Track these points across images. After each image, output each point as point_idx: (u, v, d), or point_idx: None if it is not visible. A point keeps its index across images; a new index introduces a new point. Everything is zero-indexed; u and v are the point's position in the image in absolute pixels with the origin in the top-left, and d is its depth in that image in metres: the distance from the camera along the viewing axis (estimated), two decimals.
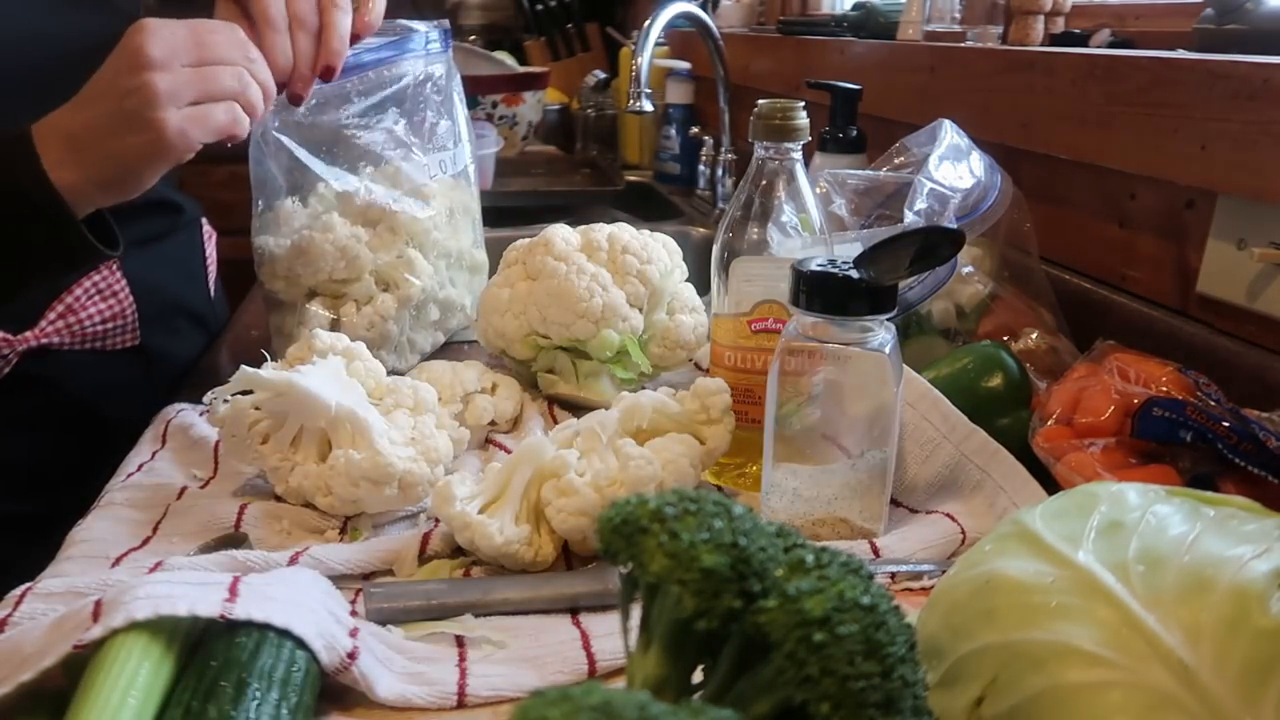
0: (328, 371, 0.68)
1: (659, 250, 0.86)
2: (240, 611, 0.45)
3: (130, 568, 0.60)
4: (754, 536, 0.37)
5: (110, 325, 0.89)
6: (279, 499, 0.68)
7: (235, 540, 0.62)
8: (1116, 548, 0.40)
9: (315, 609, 0.48)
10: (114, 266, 0.89)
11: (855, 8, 1.41)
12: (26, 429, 0.80)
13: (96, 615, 0.44)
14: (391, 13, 0.83)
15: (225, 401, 0.68)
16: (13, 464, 0.79)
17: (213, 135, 0.68)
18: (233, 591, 0.46)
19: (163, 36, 0.66)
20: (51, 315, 0.85)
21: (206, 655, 0.44)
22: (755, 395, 0.69)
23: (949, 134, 0.87)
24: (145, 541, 0.64)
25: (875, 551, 0.62)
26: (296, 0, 0.73)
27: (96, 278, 0.87)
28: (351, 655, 0.48)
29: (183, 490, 0.70)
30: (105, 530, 0.64)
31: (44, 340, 0.84)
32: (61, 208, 0.66)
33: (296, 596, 0.49)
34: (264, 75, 0.71)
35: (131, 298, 0.90)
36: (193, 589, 0.46)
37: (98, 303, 0.88)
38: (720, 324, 0.72)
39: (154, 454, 0.75)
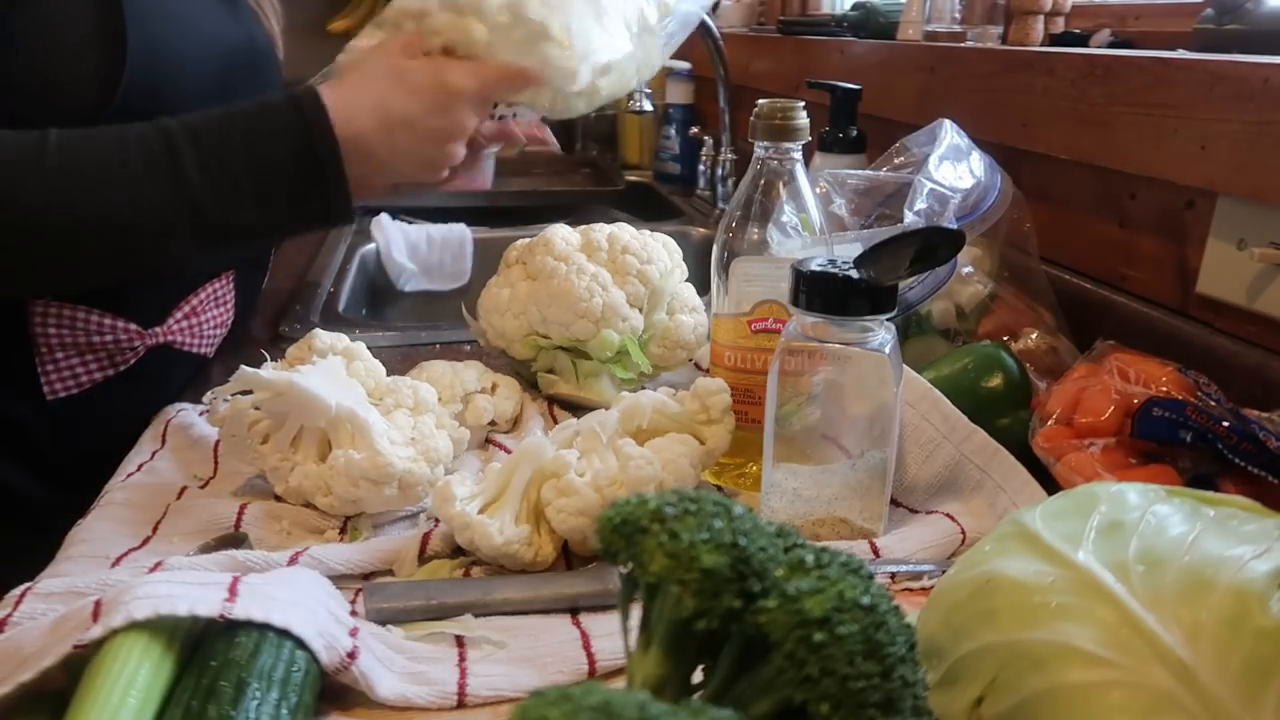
0: (327, 371, 0.68)
1: (659, 250, 0.86)
2: (240, 611, 0.45)
3: (130, 568, 0.60)
4: (754, 536, 0.37)
5: (218, 332, 0.93)
6: (279, 499, 0.68)
7: (235, 540, 0.62)
8: (1116, 548, 0.40)
9: (315, 609, 0.48)
10: (228, 277, 0.93)
11: (855, 8, 1.41)
12: (140, 423, 0.81)
13: (96, 615, 0.44)
14: None
15: (225, 401, 0.69)
16: (119, 453, 0.80)
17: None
18: (232, 591, 0.46)
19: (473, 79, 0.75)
20: (178, 315, 0.88)
21: (206, 655, 0.44)
22: (755, 395, 0.69)
23: (949, 134, 0.87)
24: (145, 541, 0.64)
25: (875, 551, 0.62)
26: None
27: (215, 285, 0.91)
28: (351, 655, 0.48)
29: (183, 490, 0.70)
30: (105, 530, 0.64)
31: (169, 338, 0.87)
32: (340, 166, 0.71)
33: (296, 596, 0.49)
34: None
35: (234, 310, 0.95)
36: (193, 589, 0.46)
37: (213, 308, 0.91)
38: (720, 324, 0.72)
39: (154, 454, 0.75)
